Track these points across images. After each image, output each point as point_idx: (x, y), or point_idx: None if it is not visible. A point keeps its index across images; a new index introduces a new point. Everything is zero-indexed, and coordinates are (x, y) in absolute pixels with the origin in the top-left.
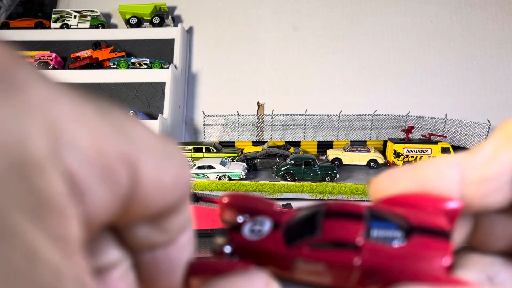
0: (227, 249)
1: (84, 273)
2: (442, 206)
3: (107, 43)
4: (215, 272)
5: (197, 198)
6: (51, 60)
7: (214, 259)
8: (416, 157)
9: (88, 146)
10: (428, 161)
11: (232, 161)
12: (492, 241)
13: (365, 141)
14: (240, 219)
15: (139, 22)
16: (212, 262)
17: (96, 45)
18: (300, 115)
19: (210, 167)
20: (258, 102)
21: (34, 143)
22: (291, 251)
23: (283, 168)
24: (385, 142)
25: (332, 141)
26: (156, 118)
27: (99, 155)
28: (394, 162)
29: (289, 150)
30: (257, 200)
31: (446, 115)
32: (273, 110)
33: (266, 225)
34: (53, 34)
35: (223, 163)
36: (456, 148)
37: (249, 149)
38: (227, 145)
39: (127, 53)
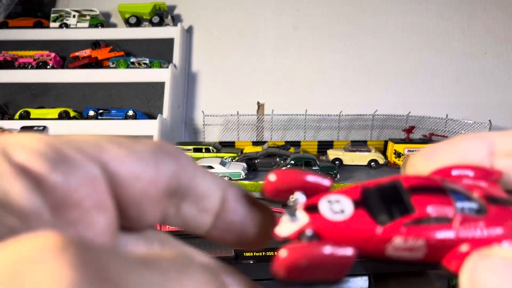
0: (309, 231)
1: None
2: (485, 176)
3: (107, 43)
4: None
5: None
6: (50, 60)
7: (295, 243)
8: None
9: (37, 144)
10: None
11: (232, 161)
12: None
13: (365, 141)
14: (299, 197)
15: (139, 22)
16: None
17: (96, 44)
18: (300, 115)
19: (210, 167)
20: (258, 102)
21: None
22: (387, 230)
23: (283, 168)
24: (386, 142)
25: (333, 141)
26: (155, 118)
27: (52, 150)
28: (395, 162)
29: (289, 150)
30: (307, 174)
31: (447, 115)
32: (273, 110)
33: (346, 204)
34: (52, 33)
35: (223, 163)
36: None
37: (249, 149)
38: (227, 145)
39: (127, 52)
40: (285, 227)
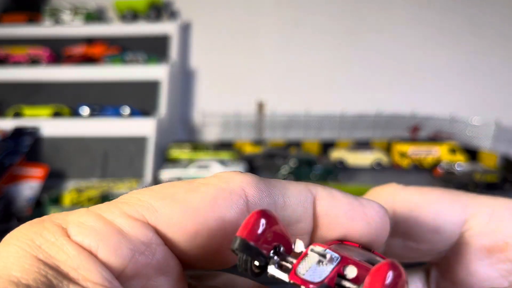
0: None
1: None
2: None
3: (102, 39)
4: None
5: None
6: (44, 58)
7: None
8: (421, 157)
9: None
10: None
11: (231, 161)
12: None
13: (369, 141)
14: (300, 244)
15: (135, 17)
16: None
17: (90, 41)
18: (301, 115)
19: (209, 167)
20: (258, 101)
21: None
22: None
23: (285, 169)
24: (390, 142)
25: (335, 141)
26: (152, 116)
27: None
28: (398, 164)
29: (290, 150)
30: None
31: (452, 114)
32: (273, 109)
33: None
34: (47, 29)
35: (221, 164)
36: (463, 148)
37: (249, 149)
38: (226, 145)
39: (122, 49)
40: (313, 271)
